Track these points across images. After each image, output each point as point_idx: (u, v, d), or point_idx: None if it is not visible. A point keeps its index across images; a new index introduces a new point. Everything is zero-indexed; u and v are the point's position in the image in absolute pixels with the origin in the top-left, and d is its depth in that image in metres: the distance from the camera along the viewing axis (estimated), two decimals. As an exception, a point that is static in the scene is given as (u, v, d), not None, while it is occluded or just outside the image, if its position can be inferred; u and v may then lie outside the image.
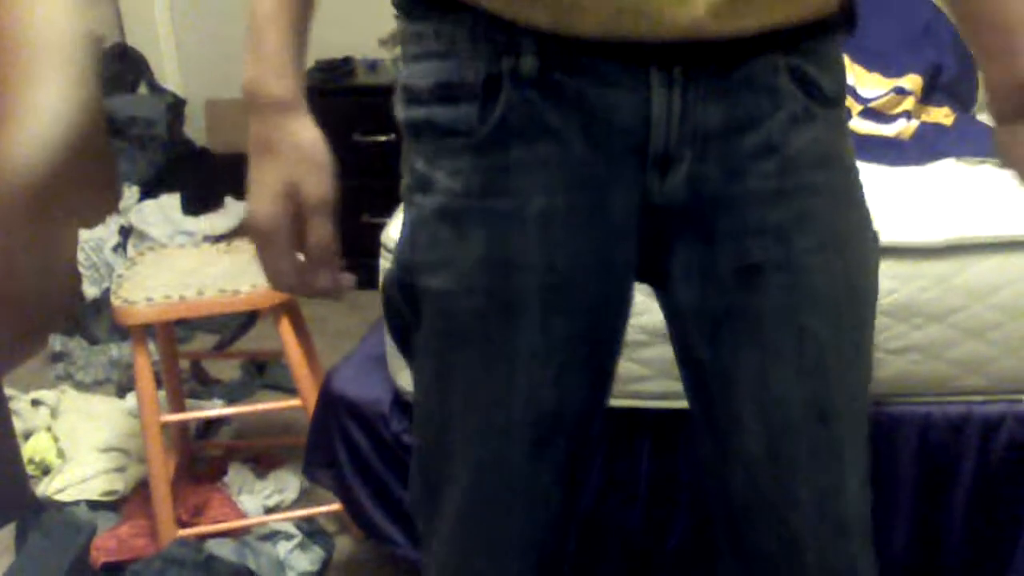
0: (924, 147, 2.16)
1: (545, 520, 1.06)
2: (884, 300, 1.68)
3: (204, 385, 2.80)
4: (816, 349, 1.00)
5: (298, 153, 0.96)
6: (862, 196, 1.04)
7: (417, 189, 1.00)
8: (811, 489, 1.03)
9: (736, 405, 1.02)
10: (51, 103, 0.40)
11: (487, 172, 0.95)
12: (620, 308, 1.03)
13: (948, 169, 2.04)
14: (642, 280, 1.04)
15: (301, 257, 1.00)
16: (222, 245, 2.25)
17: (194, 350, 2.98)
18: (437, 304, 0.99)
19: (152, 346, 2.56)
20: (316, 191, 0.96)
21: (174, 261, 2.18)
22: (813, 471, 1.03)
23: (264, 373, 2.85)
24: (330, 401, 1.92)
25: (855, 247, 1.03)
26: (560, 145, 0.94)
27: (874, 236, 1.06)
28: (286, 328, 2.07)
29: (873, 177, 1.71)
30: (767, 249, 0.97)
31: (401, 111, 1.00)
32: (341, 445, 1.91)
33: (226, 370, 2.89)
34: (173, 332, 2.33)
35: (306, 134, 0.97)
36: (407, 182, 1.01)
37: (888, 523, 1.73)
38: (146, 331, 2.04)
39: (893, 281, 1.69)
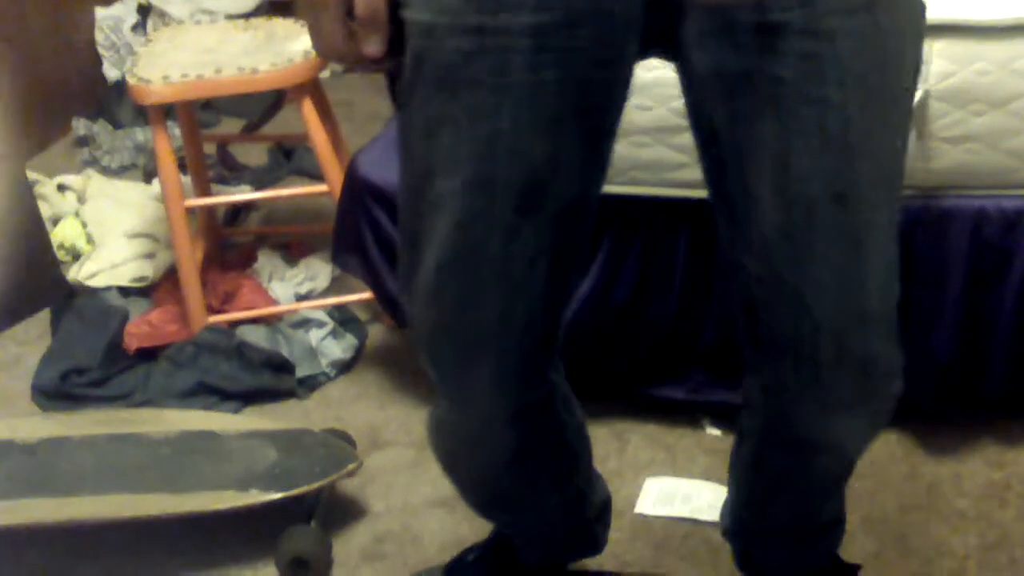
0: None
1: (526, 296, 1.04)
2: (940, 84, 1.58)
3: (231, 171, 2.75)
4: (840, 123, 0.94)
5: None
6: None
7: None
8: (829, 273, 1.00)
9: (752, 181, 0.98)
10: None
11: None
12: (618, 68, 0.98)
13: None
14: (658, 51, 0.99)
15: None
16: (240, 22, 2.16)
17: (220, 134, 2.92)
18: (423, 42, 0.96)
19: (177, 131, 2.50)
20: None
21: (191, 38, 2.09)
22: (831, 254, 1.00)
23: (292, 158, 2.79)
24: (355, 186, 1.87)
25: (890, 10, 0.94)
26: None
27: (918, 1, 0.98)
28: (309, 110, 2.00)
29: (939, -52, 1.57)
30: (789, 9, 0.90)
31: None
32: (368, 231, 1.87)
33: (253, 155, 2.83)
34: (194, 113, 2.27)
35: None
36: None
37: (934, 320, 1.68)
38: (165, 112, 1.98)
39: (950, 63, 1.58)
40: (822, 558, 1.40)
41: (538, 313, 1.06)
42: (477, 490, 1.34)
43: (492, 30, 0.93)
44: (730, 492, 1.36)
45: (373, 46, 0.95)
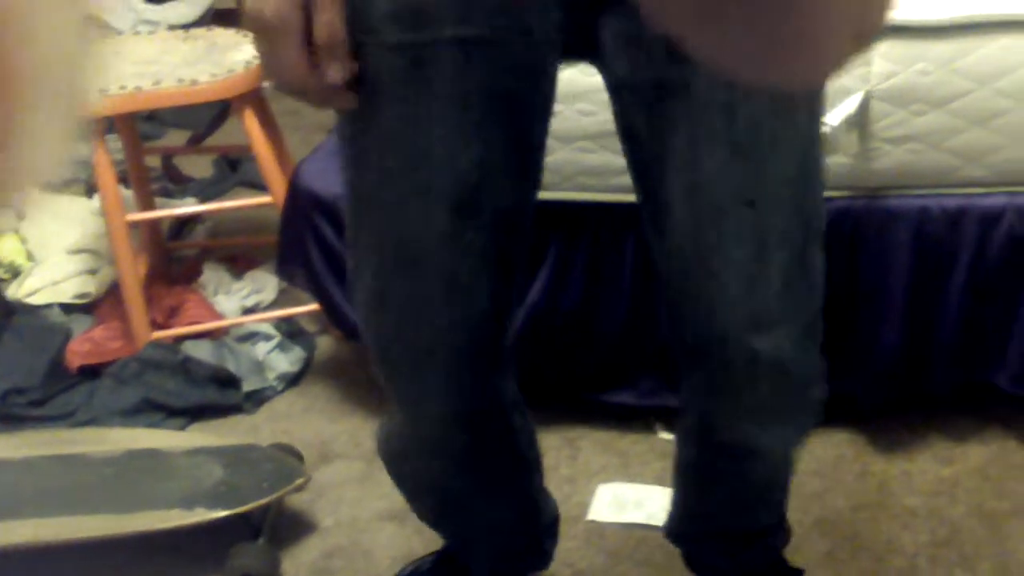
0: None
1: (473, 300, 1.06)
2: (881, 84, 1.59)
3: (176, 183, 2.71)
4: (747, 129, 0.97)
5: None
6: None
7: None
8: (735, 278, 1.03)
9: (668, 187, 1.01)
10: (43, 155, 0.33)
11: None
12: (540, 80, 1.01)
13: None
14: (580, 57, 1.02)
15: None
16: (180, 32, 2.12)
17: (164, 146, 2.87)
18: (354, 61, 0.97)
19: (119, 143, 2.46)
20: None
21: (130, 49, 2.06)
22: (737, 259, 1.02)
23: (238, 170, 2.75)
24: (298, 196, 1.85)
25: None
26: None
27: None
28: (252, 121, 1.97)
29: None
30: None
31: None
32: (312, 242, 1.85)
33: (199, 167, 2.79)
34: (135, 126, 2.23)
35: None
36: None
37: (880, 318, 1.68)
38: (105, 125, 1.94)
39: (892, 63, 1.58)
40: (765, 558, 1.40)
41: (487, 317, 1.08)
42: (429, 499, 1.33)
43: (417, 45, 0.94)
44: (673, 494, 1.37)
45: (335, 73, 0.93)
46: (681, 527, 1.38)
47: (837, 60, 0.44)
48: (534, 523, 1.37)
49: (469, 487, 1.27)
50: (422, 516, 1.36)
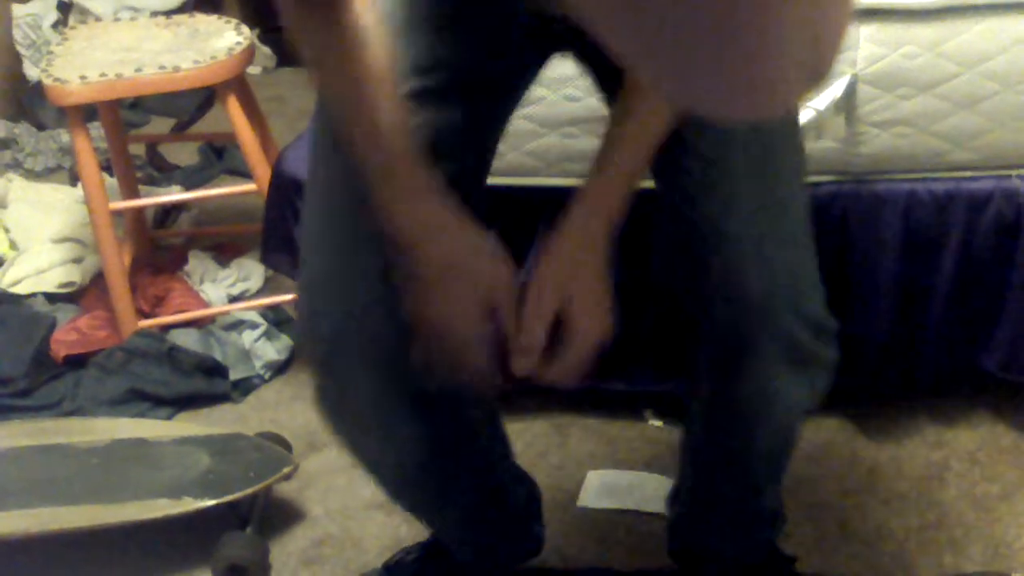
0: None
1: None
2: (868, 68, 1.58)
3: (161, 171, 2.69)
4: None
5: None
6: None
7: None
8: (747, 195, 1.07)
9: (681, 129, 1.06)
10: None
11: None
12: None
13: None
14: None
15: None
16: (161, 19, 2.10)
17: (148, 134, 2.85)
18: None
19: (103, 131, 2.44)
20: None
21: (110, 36, 2.04)
22: (749, 173, 1.07)
23: (223, 157, 2.73)
24: (282, 183, 1.83)
25: None
26: None
27: None
28: (235, 107, 1.95)
29: (865, -68, 1.56)
30: None
31: None
32: (296, 228, 1.83)
33: (184, 155, 2.77)
34: (118, 114, 2.21)
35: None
36: None
37: (869, 302, 1.68)
38: (85, 112, 1.92)
39: (878, 47, 1.57)
40: (760, 552, 1.40)
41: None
42: (386, 461, 1.25)
43: None
44: (679, 479, 1.36)
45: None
46: (687, 511, 1.36)
47: (791, 98, 0.48)
48: (506, 506, 1.35)
49: (428, 478, 1.24)
50: (393, 497, 1.30)
